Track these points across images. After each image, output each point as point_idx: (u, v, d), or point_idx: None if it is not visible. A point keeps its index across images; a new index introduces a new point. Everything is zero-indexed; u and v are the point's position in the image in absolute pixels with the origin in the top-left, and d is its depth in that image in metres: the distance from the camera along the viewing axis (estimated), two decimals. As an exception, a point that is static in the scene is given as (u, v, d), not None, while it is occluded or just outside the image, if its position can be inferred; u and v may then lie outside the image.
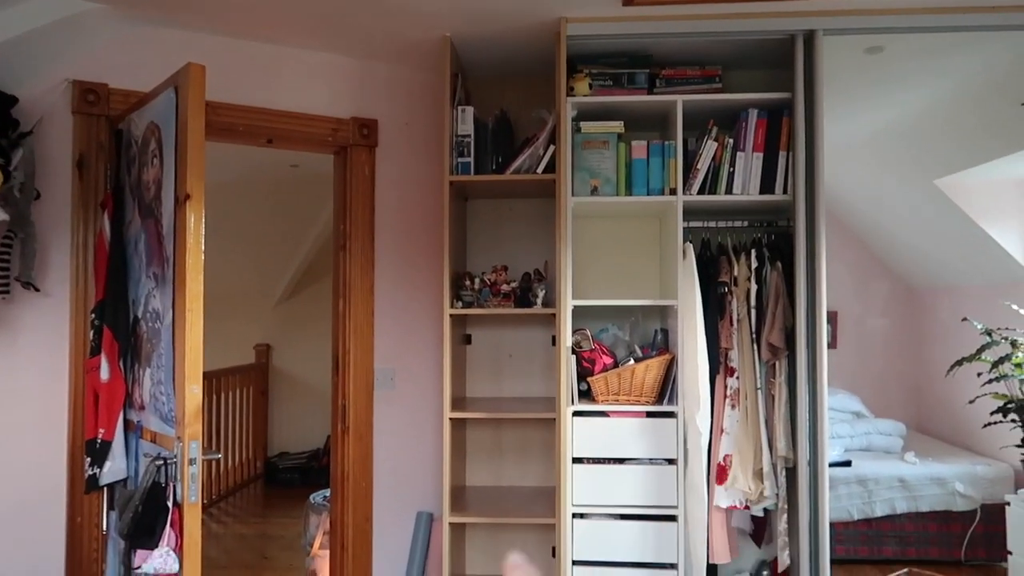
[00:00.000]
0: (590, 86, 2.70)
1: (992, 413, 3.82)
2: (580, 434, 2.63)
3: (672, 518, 2.61)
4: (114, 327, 2.38)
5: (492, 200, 3.22)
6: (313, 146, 3.06)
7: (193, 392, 1.97)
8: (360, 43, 2.90)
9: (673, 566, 2.59)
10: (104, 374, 2.37)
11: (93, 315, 2.45)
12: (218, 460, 5.78)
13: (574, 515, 2.63)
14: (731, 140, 2.69)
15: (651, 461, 2.63)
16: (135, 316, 2.39)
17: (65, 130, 2.53)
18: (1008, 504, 3.66)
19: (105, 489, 2.50)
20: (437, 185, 3.11)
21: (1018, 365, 3.73)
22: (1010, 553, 3.59)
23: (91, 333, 2.46)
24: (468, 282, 2.90)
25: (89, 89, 2.53)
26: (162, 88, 2.20)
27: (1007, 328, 3.92)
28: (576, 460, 2.64)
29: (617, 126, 2.74)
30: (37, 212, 2.44)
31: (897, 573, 3.55)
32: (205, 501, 5.51)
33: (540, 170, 2.81)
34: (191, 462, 1.96)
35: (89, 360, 2.45)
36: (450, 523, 2.79)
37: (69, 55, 2.53)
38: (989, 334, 3.89)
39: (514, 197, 3.19)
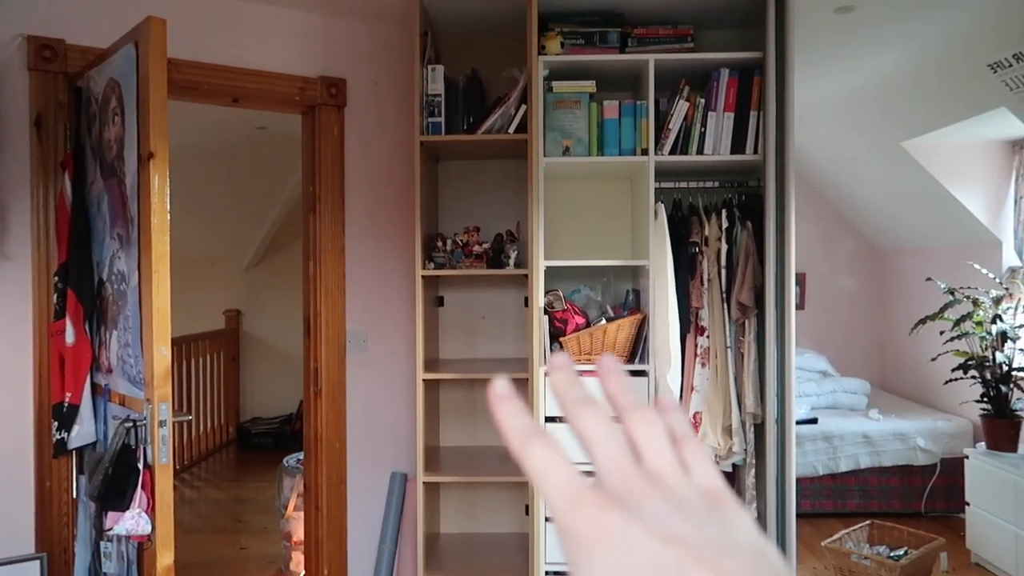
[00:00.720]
0: (562, 45, 2.67)
1: (953, 370, 3.92)
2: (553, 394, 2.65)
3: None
4: (78, 290, 2.34)
5: (464, 161, 3.20)
6: (280, 106, 3.00)
7: (161, 354, 1.94)
8: (327, -1, 2.84)
9: (644, 521, 2.64)
10: (69, 337, 2.34)
11: (56, 278, 2.40)
12: (190, 426, 5.74)
13: (547, 473, 2.66)
14: (703, 100, 2.69)
15: (622, 419, 2.66)
16: (100, 278, 2.34)
17: (21, 88, 2.45)
18: (967, 457, 3.78)
19: (74, 453, 2.47)
20: (408, 146, 3.08)
21: (979, 323, 3.83)
22: (968, 504, 3.72)
23: (55, 296, 2.41)
24: (440, 243, 2.88)
25: (45, 45, 2.45)
26: (121, 43, 2.13)
27: (969, 287, 4.01)
28: (549, 419, 2.66)
29: (589, 86, 2.72)
30: (-6, 172, 2.37)
31: (860, 525, 3.66)
32: (177, 467, 5.49)
33: (511, 130, 2.79)
34: (161, 424, 1.95)
35: (53, 324, 2.41)
36: (424, 483, 2.82)
37: (23, 9, 2.44)
38: (952, 293, 3.97)
39: (486, 158, 3.17)
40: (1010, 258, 4.33)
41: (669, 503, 0.30)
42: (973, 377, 3.84)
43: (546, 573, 2.65)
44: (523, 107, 2.76)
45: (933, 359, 4.25)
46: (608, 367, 0.35)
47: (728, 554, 0.29)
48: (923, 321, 4.09)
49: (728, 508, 0.31)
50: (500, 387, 0.34)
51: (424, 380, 2.82)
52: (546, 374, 0.33)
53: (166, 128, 1.97)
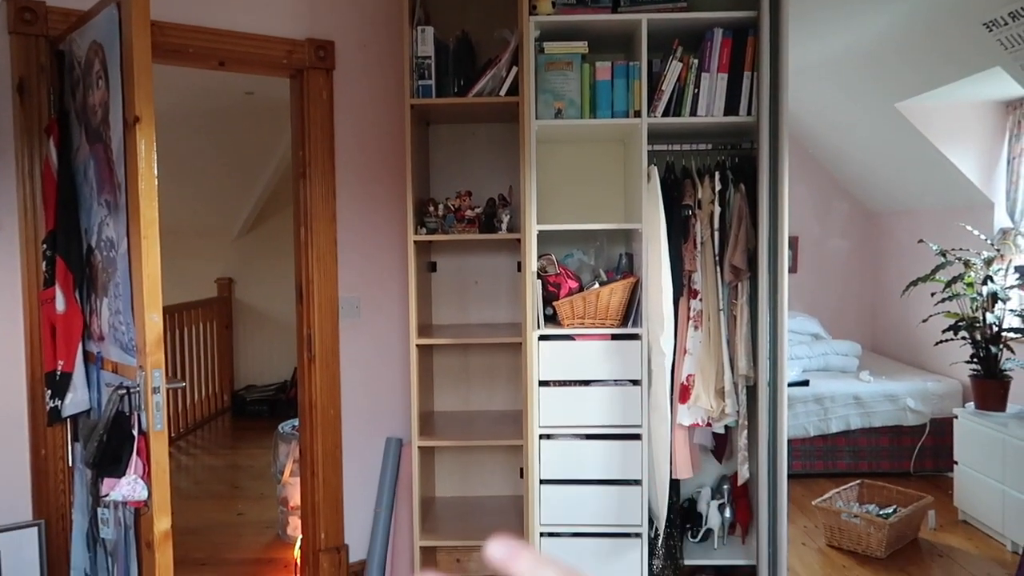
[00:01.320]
0: (553, 4, 2.63)
1: (944, 331, 3.94)
2: (546, 358, 2.66)
3: (636, 437, 2.67)
4: (67, 257, 2.31)
5: (455, 125, 3.16)
6: (267, 69, 2.95)
7: (153, 320, 1.93)
8: (313, -42, 2.77)
9: (637, 482, 2.67)
10: (60, 305, 2.32)
11: (44, 246, 2.38)
12: (185, 394, 5.75)
13: (541, 436, 2.68)
14: (696, 61, 2.66)
15: (616, 382, 2.68)
16: (88, 245, 2.32)
17: (1, 52, 2.39)
18: (956, 417, 3.82)
19: (68, 421, 2.47)
20: (398, 109, 3.04)
21: (969, 284, 3.84)
22: (956, 463, 3.77)
23: (43, 264, 2.39)
24: (432, 208, 2.87)
25: (24, 7, 2.39)
26: (103, 5, 2.08)
27: (961, 249, 4.02)
28: (543, 383, 2.67)
29: (581, 47, 2.68)
30: (-23, 139, 2.33)
31: (850, 485, 3.71)
32: (173, 435, 5.51)
33: (503, 93, 2.75)
34: (155, 390, 1.94)
35: (43, 292, 2.39)
36: (419, 447, 2.84)
37: (1, -30, 2.38)
38: (943, 255, 3.98)
39: (477, 121, 3.13)
40: (1002, 219, 4.33)
41: None
42: (963, 338, 3.86)
43: (540, 534, 2.68)
44: (514, 69, 2.73)
45: (924, 321, 4.28)
46: (506, 552, 0.38)
47: None
48: (914, 283, 4.10)
49: None
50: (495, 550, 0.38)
51: (417, 345, 2.83)
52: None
53: (151, 92, 1.94)
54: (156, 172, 1.97)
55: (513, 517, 3.01)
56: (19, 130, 2.42)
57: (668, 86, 2.66)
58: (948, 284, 3.88)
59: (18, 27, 2.39)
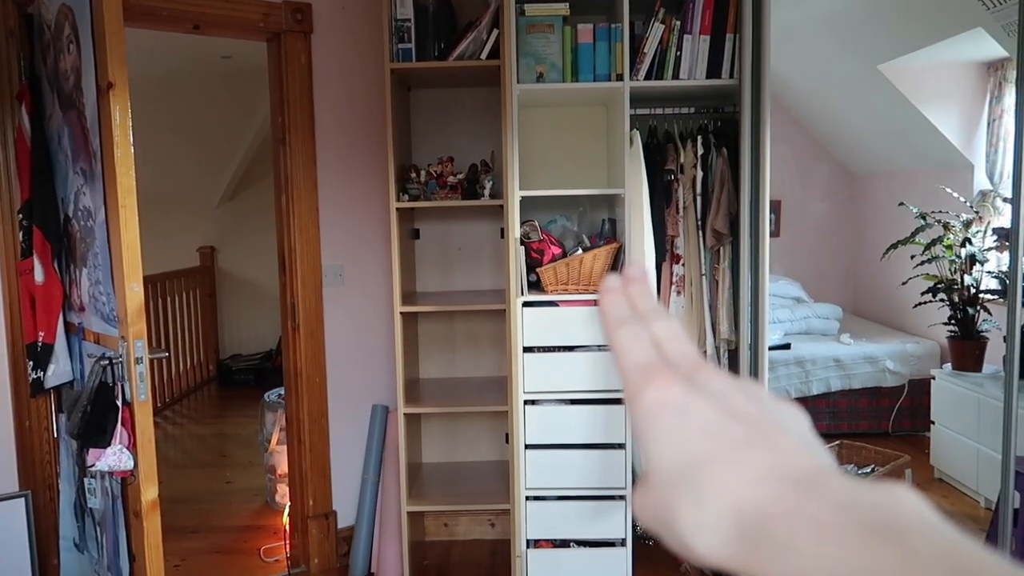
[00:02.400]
0: (534, -35, 2.59)
1: (923, 293, 3.99)
2: (530, 324, 2.67)
3: (619, 401, 2.70)
4: (44, 227, 2.29)
5: (436, 89, 3.13)
6: (243, 32, 2.90)
7: (134, 290, 1.92)
8: (288, -82, 2.71)
9: (621, 446, 2.71)
10: (38, 276, 2.30)
11: (20, 215, 2.35)
12: (170, 364, 5.73)
13: (526, 402, 2.70)
14: (678, 22, 2.63)
15: (599, 348, 2.70)
16: (66, 215, 2.29)
17: (-31, 16, 2.34)
18: (933, 378, 3.88)
19: (52, 392, 2.46)
20: (378, 74, 2.99)
21: (948, 247, 3.88)
22: (933, 423, 3.84)
23: (20, 234, 2.36)
24: (414, 175, 2.85)
25: (-9, -31, 2.33)
26: (72, -33, 2.03)
27: (941, 211, 4.05)
28: (527, 349, 2.68)
29: (562, 8, 2.65)
30: (-53, 107, 2.28)
31: (830, 445, 3.78)
32: (159, 404, 5.50)
33: (484, 56, 2.72)
34: (138, 361, 1.93)
35: (21, 263, 2.37)
36: (405, 414, 2.85)
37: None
38: (923, 217, 4.01)
39: (458, 86, 3.10)
40: (981, 181, 4.36)
41: (731, 388, 0.32)
42: (941, 300, 3.92)
43: (526, 498, 2.72)
44: (495, 32, 2.69)
45: (903, 283, 4.32)
46: (632, 276, 0.38)
47: (782, 433, 0.30)
48: (894, 246, 4.14)
49: (789, 406, 0.33)
50: (611, 282, 0.37)
51: (402, 313, 2.83)
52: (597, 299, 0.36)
53: (124, 56, 1.90)
54: (132, 140, 1.93)
55: (499, 481, 3.04)
56: (-10, 97, 2.37)
57: (650, 48, 2.64)
58: (927, 247, 3.92)
59: (-15, -10, 2.33)
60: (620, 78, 2.63)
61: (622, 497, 2.71)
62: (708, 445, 0.30)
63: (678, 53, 2.64)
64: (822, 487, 0.27)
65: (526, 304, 2.67)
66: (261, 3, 2.83)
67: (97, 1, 1.89)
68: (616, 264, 2.71)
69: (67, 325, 2.36)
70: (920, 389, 4.35)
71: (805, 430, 0.32)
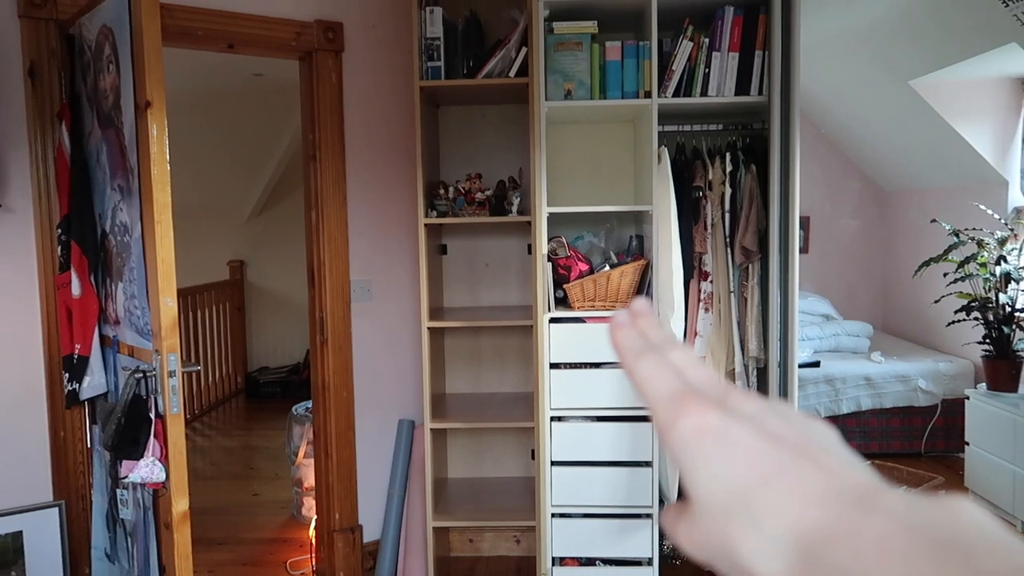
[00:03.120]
0: (563, -16, 2.61)
1: (956, 312, 3.93)
2: (557, 340, 2.67)
3: (646, 419, 2.68)
4: (81, 242, 2.34)
5: (464, 106, 3.15)
6: (276, 51, 2.95)
7: (168, 305, 1.95)
8: (321, -60, 2.76)
9: (648, 463, 2.69)
10: (75, 290, 2.34)
11: (59, 230, 2.40)
12: (199, 376, 5.81)
13: (552, 418, 2.70)
14: (707, 40, 2.63)
15: (626, 364, 2.68)
16: (103, 230, 2.34)
17: (12, 37, 2.40)
18: (967, 398, 3.81)
19: (86, 404, 2.51)
20: (407, 91, 3.03)
21: (982, 264, 3.82)
22: (967, 444, 3.77)
23: (59, 248, 2.41)
24: (442, 191, 2.87)
25: (35, -8, 2.40)
26: (113, -11, 2.08)
27: (974, 228, 3.99)
28: (553, 365, 2.68)
29: (591, 26, 2.66)
30: (-9, 124, 2.34)
31: (860, 465, 3.72)
32: (187, 416, 5.57)
33: (512, 74, 2.74)
34: (171, 374, 1.96)
35: (59, 276, 2.42)
36: (431, 429, 2.86)
37: (10, -46, 2.38)
38: (956, 235, 3.95)
39: (487, 103, 3.12)
40: (1016, 198, 4.29)
41: (765, 410, 0.32)
42: (976, 319, 3.85)
43: (552, 515, 2.71)
44: (523, 50, 2.71)
45: (936, 301, 4.26)
46: (638, 309, 0.37)
47: (825, 452, 0.30)
48: (927, 263, 4.08)
49: (818, 424, 0.33)
50: (619, 317, 0.37)
51: (429, 328, 2.84)
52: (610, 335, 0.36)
53: (162, 76, 1.94)
54: (168, 156, 1.98)
55: (525, 498, 3.03)
56: (31, 114, 2.44)
57: (679, 66, 2.64)
58: (961, 264, 3.86)
59: (28, 11, 2.40)
60: (648, 95, 2.64)
61: (649, 515, 2.69)
62: (756, 470, 0.29)
63: (706, 70, 2.64)
64: (879, 504, 0.27)
65: (553, 320, 2.67)
66: (294, 22, 2.88)
67: (137, 22, 1.93)
68: (643, 281, 2.70)
69: (102, 338, 2.40)
70: (954, 409, 4.27)
71: (842, 448, 0.32)
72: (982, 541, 0.25)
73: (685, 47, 2.63)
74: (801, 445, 0.30)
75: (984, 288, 3.84)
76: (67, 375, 2.41)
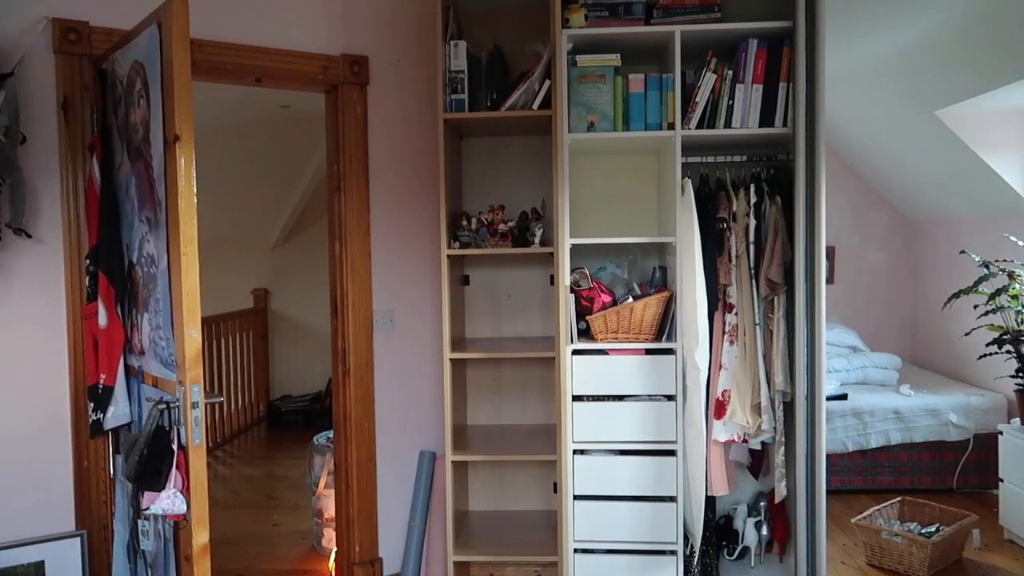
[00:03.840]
0: (586, 17, 2.63)
1: (988, 344, 3.84)
2: (580, 372, 2.65)
3: (671, 452, 2.64)
4: (109, 272, 2.36)
5: (488, 138, 3.17)
6: (303, 84, 3.00)
7: (192, 336, 1.96)
8: (348, -24, 2.81)
9: (672, 499, 2.64)
10: (102, 320, 2.37)
11: (87, 261, 2.43)
12: (222, 404, 5.83)
13: (575, 451, 2.66)
14: (730, 72, 2.63)
15: (650, 397, 2.66)
16: (130, 261, 2.37)
17: (47, 71, 2.46)
18: (1001, 433, 3.71)
19: (110, 433, 2.52)
20: (431, 123, 3.06)
21: (1014, 296, 3.74)
22: (1001, 480, 3.66)
23: (86, 279, 2.44)
24: (465, 222, 2.88)
25: (70, 27, 2.46)
26: (145, 25, 2.13)
27: (1005, 260, 3.92)
28: (576, 398, 2.66)
29: (614, 59, 2.67)
30: (23, 157, 2.39)
31: (891, 502, 3.63)
32: (210, 444, 5.59)
33: (536, 106, 2.76)
34: (194, 405, 1.97)
35: (86, 306, 2.44)
36: (452, 461, 2.83)
37: (47, -8, 2.45)
38: (987, 266, 3.88)
39: (510, 135, 3.14)
40: (1048, 229, 4.21)
41: None
42: (1008, 352, 3.76)
43: (574, 550, 2.66)
44: (547, 82, 2.73)
45: (967, 333, 4.18)
46: None
47: None
48: (957, 295, 4.01)
49: None
50: None
51: (451, 359, 2.83)
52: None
53: (191, 110, 1.97)
54: (195, 188, 2.00)
55: (546, 532, 2.99)
56: (64, 147, 2.49)
57: (702, 98, 2.64)
58: (992, 296, 3.79)
59: (63, 47, 2.45)
60: (671, 127, 2.63)
61: (673, 552, 2.63)
62: None
63: (730, 102, 2.63)
64: None
65: (576, 352, 2.65)
66: (320, 56, 2.92)
67: (167, 58, 1.97)
68: (667, 313, 2.67)
69: (127, 368, 2.42)
70: (987, 444, 4.16)
71: None
72: None
73: (708, 79, 2.63)
74: None
75: (1016, 321, 3.76)
76: (92, 405, 2.43)
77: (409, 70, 3.11)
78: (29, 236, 2.41)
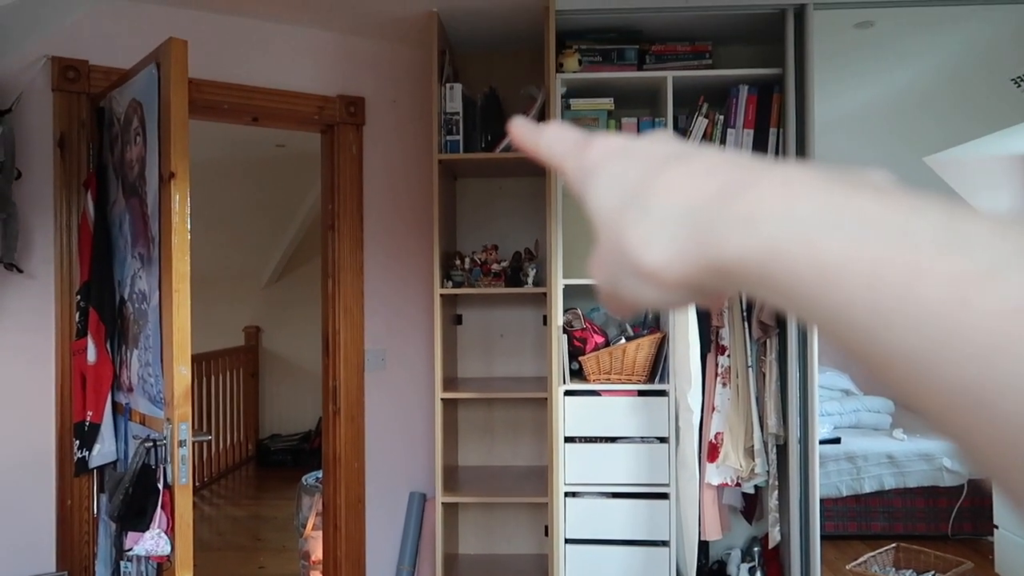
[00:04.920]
0: (579, 62, 2.67)
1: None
2: (572, 413, 2.63)
3: (664, 496, 2.61)
4: (100, 309, 2.35)
5: (482, 179, 3.20)
6: (299, 124, 3.03)
7: (181, 373, 1.95)
8: (346, 18, 2.86)
9: (665, 543, 2.61)
10: (91, 356, 2.35)
11: (79, 296, 2.42)
12: (210, 442, 5.76)
13: (566, 494, 2.63)
14: (721, 117, 2.67)
15: (643, 439, 2.64)
16: (121, 297, 2.36)
17: (45, 108, 2.48)
18: (995, 478, 3.69)
19: (95, 472, 2.48)
20: (426, 164, 3.08)
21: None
22: (996, 527, 3.63)
23: (77, 315, 2.43)
24: (458, 261, 2.88)
25: (69, 66, 2.48)
26: (143, 64, 2.16)
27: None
28: (568, 439, 2.64)
29: (607, 103, 2.72)
30: (18, 192, 2.39)
31: (886, 548, 3.59)
32: (197, 483, 5.50)
33: (530, 148, 2.78)
34: (181, 444, 1.95)
35: (75, 342, 2.43)
36: (443, 503, 2.79)
37: (46, 30, 2.48)
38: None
39: (504, 176, 3.17)
40: (1037, 274, 4.25)
41: (661, 142, 0.31)
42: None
43: (565, 595, 2.62)
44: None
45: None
46: (517, 123, 0.38)
47: (699, 156, 0.28)
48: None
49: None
50: (517, 123, 0.37)
51: (443, 399, 2.81)
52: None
53: (187, 148, 1.99)
54: (189, 225, 2.00)
55: (537, 576, 2.94)
56: (59, 183, 2.49)
57: (694, 142, 2.67)
58: (983, 340, 3.80)
59: (62, 84, 2.48)
60: (664, 170, 2.66)
61: (666, 599, 2.59)
62: (650, 167, 0.29)
63: (722, 146, 2.66)
64: (779, 168, 0.25)
65: (568, 393, 2.64)
66: (317, 97, 2.96)
67: (165, 97, 1.99)
68: (660, 354, 2.67)
69: (115, 405, 2.39)
70: (981, 490, 4.13)
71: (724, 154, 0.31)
72: (865, 181, 0.24)
73: (700, 124, 2.67)
74: (697, 152, 0.29)
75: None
76: (77, 442, 2.40)
77: (405, 111, 3.14)
78: (20, 271, 2.41)
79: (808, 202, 0.24)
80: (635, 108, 2.92)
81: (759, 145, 2.65)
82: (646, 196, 0.28)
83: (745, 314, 2.67)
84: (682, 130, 2.70)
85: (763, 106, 2.65)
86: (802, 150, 2.60)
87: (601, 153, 0.32)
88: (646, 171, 0.29)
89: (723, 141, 2.67)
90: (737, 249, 0.24)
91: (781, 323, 2.63)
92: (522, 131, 0.37)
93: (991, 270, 0.19)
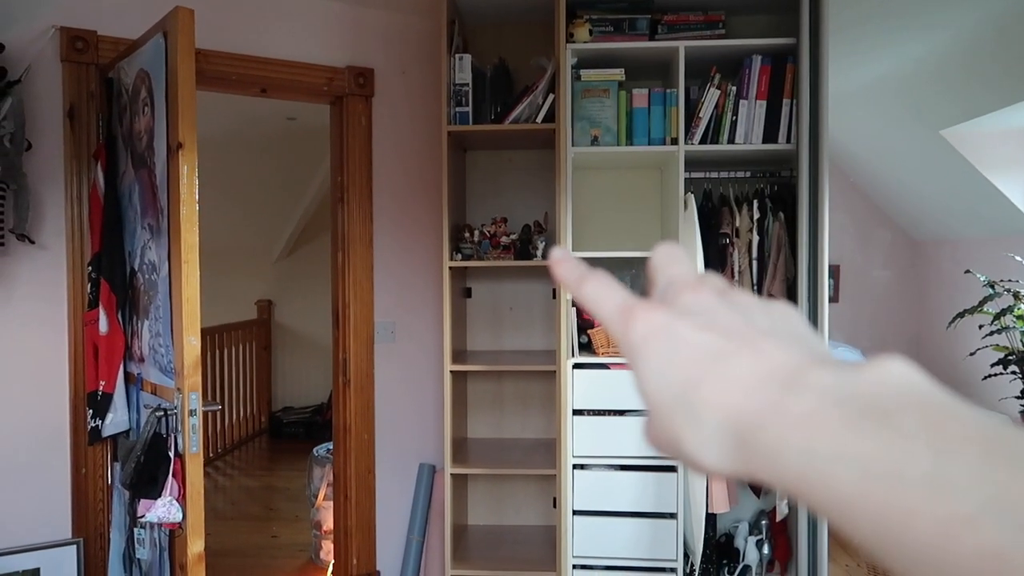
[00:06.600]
0: (590, 32, 2.64)
1: (992, 365, 3.82)
2: (580, 386, 2.64)
3: (672, 468, 2.62)
4: (111, 279, 2.37)
5: (491, 151, 3.18)
6: (308, 96, 3.01)
7: (191, 343, 1.96)
8: (355, -11, 2.83)
9: (673, 515, 2.62)
10: (103, 327, 2.37)
11: (90, 267, 2.44)
12: (223, 415, 5.82)
13: (574, 466, 2.64)
14: (734, 88, 2.63)
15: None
16: (132, 268, 2.37)
17: (54, 79, 2.48)
18: (1006, 454, 3.67)
19: (108, 440, 2.51)
20: (435, 135, 3.07)
21: (1020, 317, 3.72)
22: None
23: (88, 286, 2.45)
24: (468, 234, 2.87)
25: (77, 36, 2.48)
26: (151, 34, 2.15)
27: (1010, 280, 3.90)
28: (576, 412, 2.64)
29: (618, 74, 2.68)
30: (29, 164, 2.40)
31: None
32: (211, 455, 5.57)
33: (539, 119, 2.76)
34: (191, 413, 1.96)
35: (87, 313, 2.45)
36: (452, 474, 2.82)
37: (55, 1, 2.47)
38: (992, 286, 3.87)
39: (513, 148, 3.14)
40: (1054, 250, 4.19)
41: (715, 304, 0.32)
42: (1013, 372, 3.74)
43: (573, 566, 2.64)
44: (551, 96, 2.74)
45: (971, 354, 4.15)
46: (560, 257, 0.38)
47: (766, 336, 0.30)
48: (961, 315, 3.99)
49: (778, 305, 0.33)
50: (558, 253, 0.38)
51: (452, 372, 2.82)
52: (553, 272, 0.36)
53: (194, 118, 1.98)
54: (197, 198, 2.01)
55: (545, 548, 2.96)
56: (68, 154, 2.50)
57: (705, 113, 2.64)
58: (997, 316, 3.77)
59: (70, 55, 2.47)
60: (675, 142, 2.63)
61: (673, 570, 2.61)
62: (696, 365, 0.30)
63: (734, 118, 2.63)
64: (806, 382, 0.27)
65: (576, 366, 2.64)
66: (326, 68, 2.94)
67: (172, 66, 1.98)
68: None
69: (127, 375, 2.42)
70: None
71: (793, 324, 0.32)
72: (902, 402, 0.25)
73: (712, 95, 2.63)
74: (745, 334, 0.30)
75: (1021, 341, 3.74)
76: (91, 411, 2.43)
77: (414, 82, 3.12)
78: (32, 242, 2.42)
79: (824, 437, 0.26)
80: (646, 79, 2.88)
81: (772, 117, 2.62)
82: (693, 401, 0.30)
83: (755, 287, 2.66)
84: (694, 101, 2.67)
85: (776, 77, 2.61)
86: (815, 122, 2.56)
87: (646, 330, 0.32)
88: (690, 370, 0.30)
89: (735, 112, 2.63)
90: (769, 475, 0.27)
91: (792, 297, 2.62)
92: (566, 270, 0.38)
93: (972, 516, 0.22)
